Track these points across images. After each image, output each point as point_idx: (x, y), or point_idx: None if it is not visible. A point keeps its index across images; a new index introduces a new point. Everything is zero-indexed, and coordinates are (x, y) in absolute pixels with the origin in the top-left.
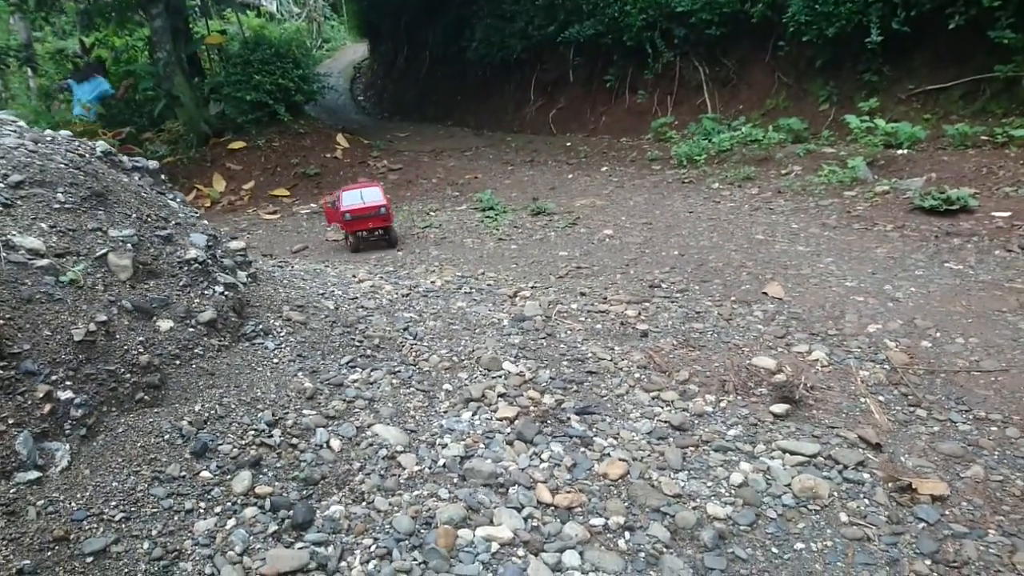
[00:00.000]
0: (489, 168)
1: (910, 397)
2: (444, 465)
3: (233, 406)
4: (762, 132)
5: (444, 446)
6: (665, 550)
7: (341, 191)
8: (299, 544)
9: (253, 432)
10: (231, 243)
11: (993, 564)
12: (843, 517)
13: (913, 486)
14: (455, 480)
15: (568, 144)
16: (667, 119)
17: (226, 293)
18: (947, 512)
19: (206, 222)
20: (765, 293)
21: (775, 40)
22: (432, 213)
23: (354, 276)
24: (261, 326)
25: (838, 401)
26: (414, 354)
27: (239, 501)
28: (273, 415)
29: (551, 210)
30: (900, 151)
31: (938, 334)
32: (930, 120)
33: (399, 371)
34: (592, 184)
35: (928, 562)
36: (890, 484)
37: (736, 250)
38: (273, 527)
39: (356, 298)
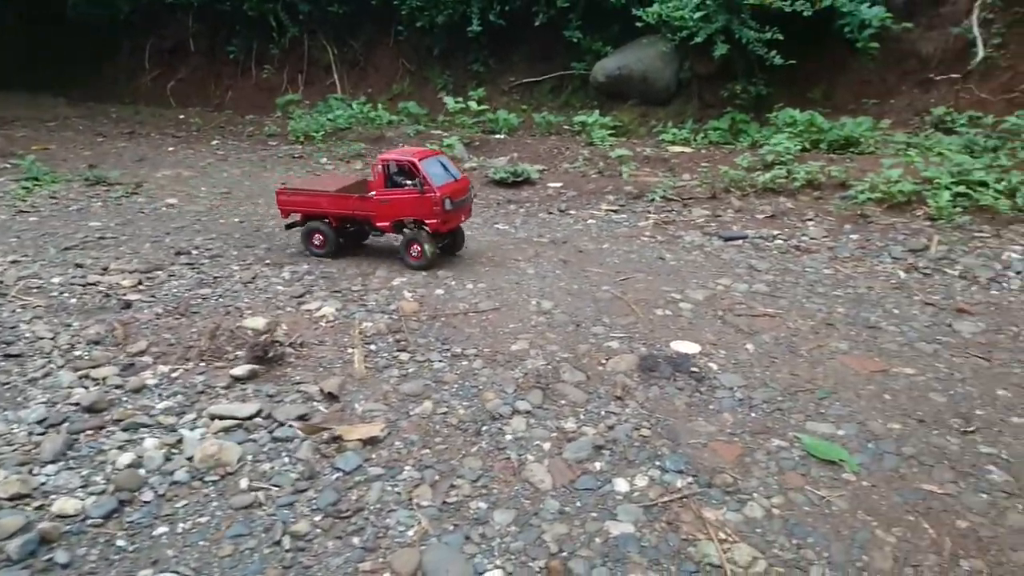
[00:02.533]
0: (72, 140)
1: (401, 343)
2: None
3: None
4: (375, 112)
5: None
6: None
7: (407, 157)
8: None
9: None
10: None
11: (389, 504)
12: (244, 484)
13: (339, 435)
14: None
15: (182, 117)
16: (295, 97)
17: None
18: (373, 456)
19: None
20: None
21: (396, 25)
22: None
23: None
24: None
25: (324, 355)
26: None
27: None
28: None
29: (114, 180)
30: (498, 136)
31: (454, 282)
32: (526, 110)
33: None
34: (192, 157)
35: (318, 518)
36: (323, 435)
37: None
38: None
39: None
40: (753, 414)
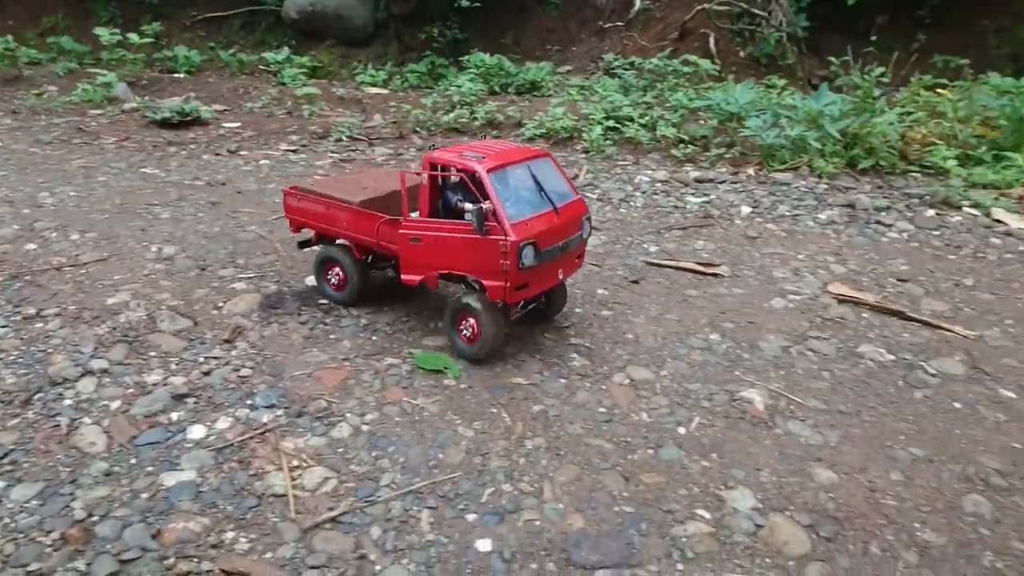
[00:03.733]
0: None
1: None
2: None
3: None
4: (9, 46)
5: None
6: None
7: (469, 162)
8: None
9: None
10: None
11: None
12: None
13: None
14: None
15: None
16: None
17: None
18: None
19: None
20: None
21: None
22: None
23: None
24: None
25: None
26: None
27: None
28: None
29: None
30: (176, 75)
31: (55, 234)
32: (214, 48)
33: None
34: None
35: None
36: None
37: None
38: None
39: None
40: (374, 338)
